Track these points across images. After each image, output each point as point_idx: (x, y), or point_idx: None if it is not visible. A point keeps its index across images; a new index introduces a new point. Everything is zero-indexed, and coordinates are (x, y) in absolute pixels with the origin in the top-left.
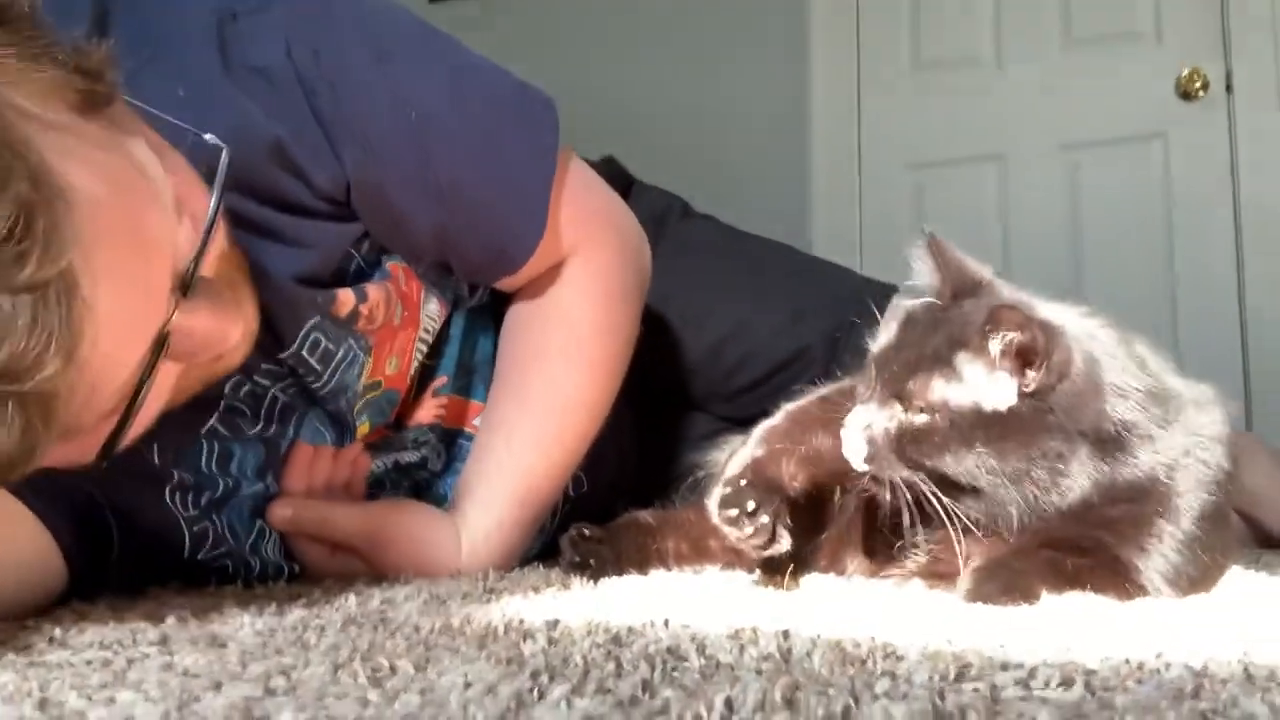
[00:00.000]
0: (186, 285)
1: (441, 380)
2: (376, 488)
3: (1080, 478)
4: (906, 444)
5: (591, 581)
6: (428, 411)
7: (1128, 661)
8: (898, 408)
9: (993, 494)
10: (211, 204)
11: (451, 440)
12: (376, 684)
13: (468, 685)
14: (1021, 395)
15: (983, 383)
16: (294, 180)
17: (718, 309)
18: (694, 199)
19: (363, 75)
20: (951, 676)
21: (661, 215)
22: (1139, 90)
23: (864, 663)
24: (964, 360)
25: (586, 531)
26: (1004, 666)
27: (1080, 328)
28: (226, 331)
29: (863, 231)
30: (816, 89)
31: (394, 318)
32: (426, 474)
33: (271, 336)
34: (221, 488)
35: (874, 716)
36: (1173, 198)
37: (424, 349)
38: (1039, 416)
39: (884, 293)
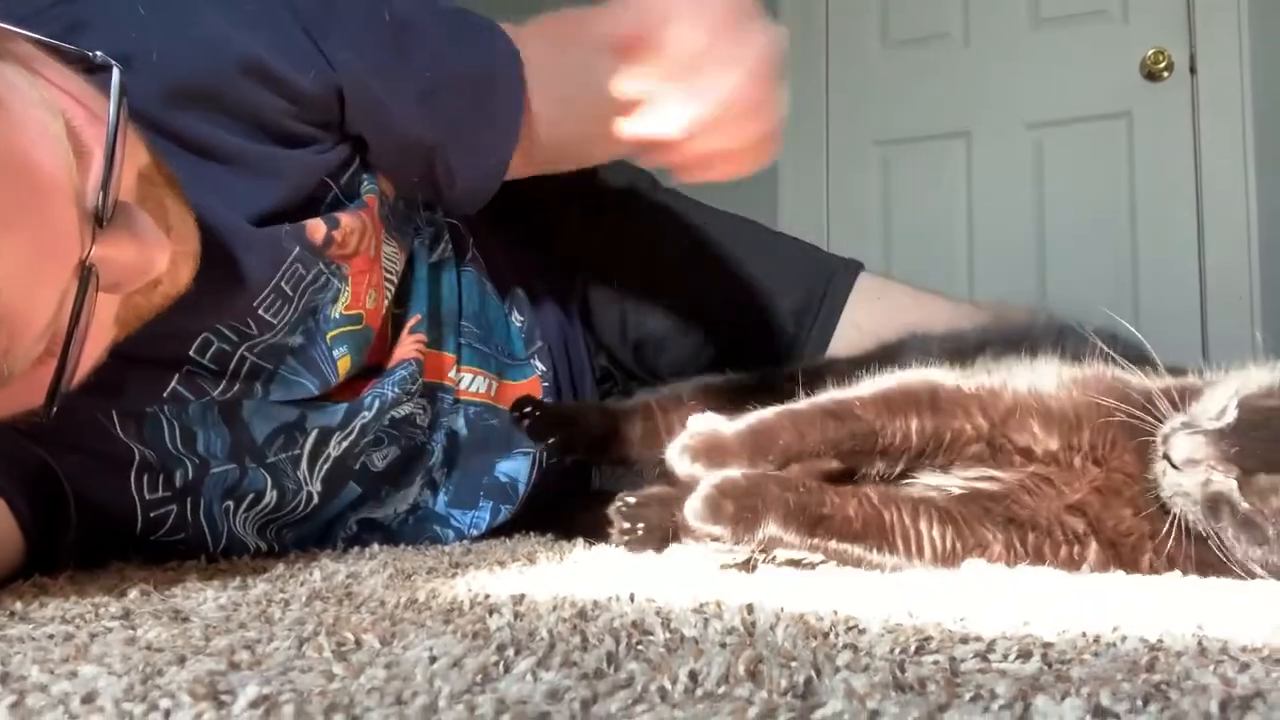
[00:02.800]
0: (100, 216)
1: (415, 318)
2: (374, 447)
3: None
4: (1219, 505)
5: (634, 550)
6: (407, 348)
7: (1084, 635)
8: (1234, 479)
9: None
10: (109, 128)
11: (433, 396)
12: (342, 658)
13: (433, 659)
14: None
15: None
16: (274, 97)
17: (686, 283)
18: (661, 174)
19: None
20: (912, 649)
21: (630, 186)
22: (1104, 70)
23: (826, 636)
24: None
25: (632, 500)
26: (963, 640)
27: None
28: (151, 257)
29: (829, 205)
30: (786, 63)
31: (369, 249)
32: (417, 431)
33: (246, 281)
34: (191, 468)
35: (836, 689)
36: (1136, 177)
37: (390, 288)
38: None
39: (851, 269)
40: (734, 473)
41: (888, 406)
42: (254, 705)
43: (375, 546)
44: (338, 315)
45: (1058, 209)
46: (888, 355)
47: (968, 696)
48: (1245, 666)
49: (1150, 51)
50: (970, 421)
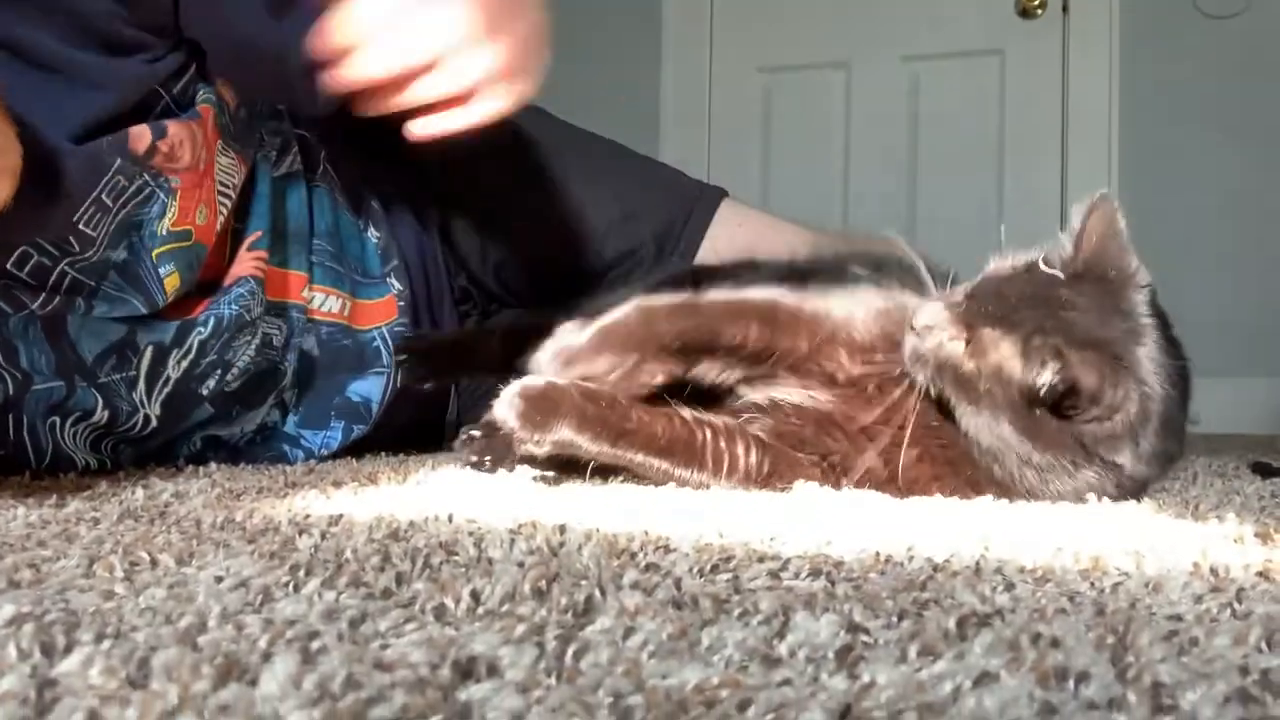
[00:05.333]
0: None
1: (255, 235)
2: (227, 369)
3: (1070, 486)
4: (945, 371)
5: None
6: (244, 265)
7: (877, 555)
8: (963, 340)
9: (991, 453)
10: None
11: (286, 315)
12: (128, 578)
13: (220, 579)
14: (1057, 416)
15: (1039, 381)
16: (106, 1)
17: (549, 207)
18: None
19: None
20: (709, 568)
21: None
22: (980, 6)
23: (633, 555)
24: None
25: (475, 433)
26: (761, 559)
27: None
28: None
29: (711, 131)
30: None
31: (200, 162)
32: (272, 352)
33: (65, 198)
34: (12, 384)
35: (612, 606)
36: (1006, 112)
37: (226, 202)
38: (1064, 433)
39: (714, 196)
40: (537, 380)
41: (732, 311)
42: (9, 624)
43: (212, 465)
44: (164, 232)
45: (930, 140)
46: (733, 273)
47: (735, 613)
48: (1010, 586)
49: None
50: (796, 341)
